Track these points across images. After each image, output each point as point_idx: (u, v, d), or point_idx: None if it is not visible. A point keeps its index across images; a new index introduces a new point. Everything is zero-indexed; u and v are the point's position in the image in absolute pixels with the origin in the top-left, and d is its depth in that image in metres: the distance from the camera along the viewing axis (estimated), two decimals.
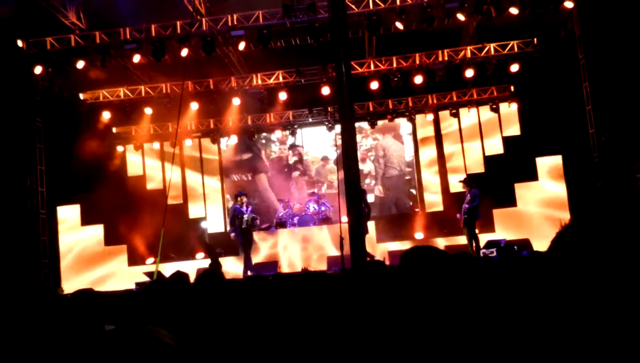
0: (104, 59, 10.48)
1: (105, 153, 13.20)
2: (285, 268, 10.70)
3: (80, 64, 10.48)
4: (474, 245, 9.65)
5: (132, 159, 13.89)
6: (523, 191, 11.38)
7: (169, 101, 12.10)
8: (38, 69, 10.49)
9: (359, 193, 5.68)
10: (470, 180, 10.17)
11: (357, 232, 5.53)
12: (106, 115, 12.30)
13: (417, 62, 11.39)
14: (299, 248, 11.09)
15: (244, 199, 10.02)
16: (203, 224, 13.75)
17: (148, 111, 12.28)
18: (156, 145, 13.86)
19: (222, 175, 14.13)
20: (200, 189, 14.00)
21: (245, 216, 9.79)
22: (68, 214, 11.74)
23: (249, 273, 9.67)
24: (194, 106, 12.18)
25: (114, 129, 13.39)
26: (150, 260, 11.97)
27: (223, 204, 13.97)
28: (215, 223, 13.86)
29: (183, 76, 8.78)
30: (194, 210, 13.93)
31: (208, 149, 14.11)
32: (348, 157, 5.36)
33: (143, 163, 13.94)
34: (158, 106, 12.25)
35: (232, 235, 10.12)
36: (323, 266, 10.84)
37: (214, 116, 13.26)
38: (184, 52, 10.52)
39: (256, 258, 11.40)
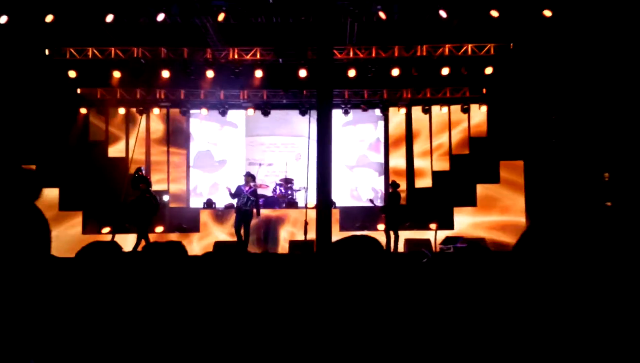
0: (74, 15, 10.00)
1: (67, 115, 12.68)
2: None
3: (49, 18, 9.95)
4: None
5: (94, 124, 13.39)
6: (484, 192, 11.71)
7: (140, 66, 11.72)
8: (2, 18, 9.89)
9: (330, 180, 5.68)
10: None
11: (324, 217, 5.54)
12: (71, 74, 11.76)
13: (396, 54, 11.44)
14: (262, 230, 11.03)
15: (249, 179, 10.09)
16: (165, 198, 13.44)
17: (116, 74, 11.82)
18: (122, 111, 13.39)
19: (189, 149, 13.83)
20: (165, 160, 13.66)
21: (243, 197, 9.88)
22: None
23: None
24: (165, 74, 11.82)
25: (78, 90, 12.84)
26: (107, 229, 11.65)
27: (187, 178, 13.70)
28: (177, 197, 13.58)
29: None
30: (157, 182, 13.58)
31: (176, 120, 13.76)
32: (323, 142, 5.34)
33: (106, 128, 13.46)
34: (127, 70, 11.82)
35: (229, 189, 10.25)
36: (285, 250, 10.85)
37: (185, 87, 12.92)
38: (161, 16, 10.18)
39: (218, 237, 11.28)
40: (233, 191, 10.21)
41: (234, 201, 10.44)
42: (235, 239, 10.77)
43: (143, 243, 9.60)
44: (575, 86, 10.25)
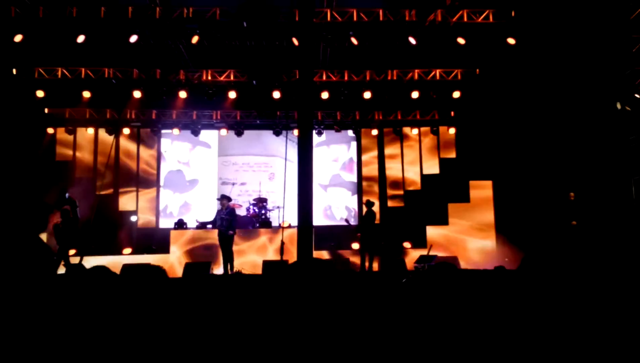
0: (44, 35, 9.87)
1: (34, 134, 12.37)
2: (219, 270, 10.52)
3: (18, 38, 9.77)
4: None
5: (61, 143, 13.10)
6: (455, 211, 12.01)
7: (111, 86, 11.59)
8: None
9: (311, 199, 5.75)
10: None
11: (306, 238, 5.59)
12: (39, 94, 11.51)
13: (368, 78, 11.71)
14: (236, 250, 10.95)
15: (224, 202, 10.05)
16: (132, 218, 13.21)
17: (86, 94, 11.64)
18: (90, 130, 13.15)
19: (159, 168, 13.66)
20: (134, 181, 13.44)
21: (219, 220, 9.95)
22: None
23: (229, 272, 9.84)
24: (137, 94, 11.71)
25: (46, 110, 12.56)
26: (73, 251, 11.32)
27: (157, 198, 13.50)
28: (146, 217, 13.35)
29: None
30: (125, 202, 13.35)
31: (147, 140, 13.60)
32: (304, 163, 5.42)
33: (74, 148, 13.18)
34: (96, 90, 11.66)
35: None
36: (258, 270, 10.79)
37: (158, 107, 12.82)
38: (133, 38, 10.14)
39: (190, 258, 11.15)
40: (212, 221, 10.25)
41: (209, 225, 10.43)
42: (206, 260, 10.70)
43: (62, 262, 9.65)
44: (540, 108, 10.70)
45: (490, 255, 11.30)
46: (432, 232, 11.81)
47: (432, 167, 13.34)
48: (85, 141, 13.24)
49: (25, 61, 10.93)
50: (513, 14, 9.83)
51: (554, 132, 10.20)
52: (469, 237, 11.84)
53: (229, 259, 10.02)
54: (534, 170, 10.84)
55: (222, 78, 11.73)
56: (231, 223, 10.00)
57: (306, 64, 5.43)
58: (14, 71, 11.05)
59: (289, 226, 11.61)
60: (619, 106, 8.69)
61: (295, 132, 13.12)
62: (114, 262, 11.04)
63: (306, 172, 5.73)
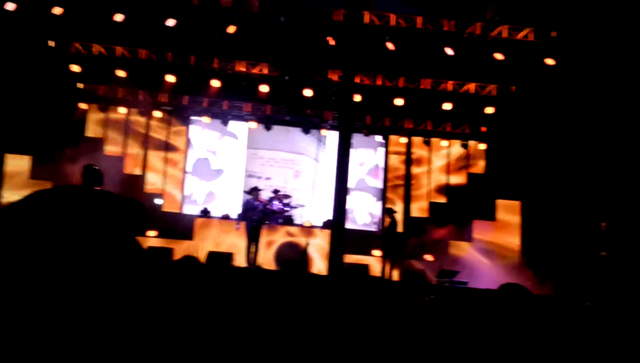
0: (83, 10, 9.99)
1: (66, 108, 12.54)
2: (240, 262, 10.47)
3: (58, 10, 9.90)
4: None
5: (93, 120, 13.27)
6: (480, 229, 11.70)
7: (145, 68, 11.67)
8: (10, 5, 9.81)
9: (344, 205, 5.63)
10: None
11: (338, 240, 5.49)
12: (75, 69, 11.66)
13: (401, 85, 11.47)
14: (259, 244, 10.86)
15: (256, 194, 10.11)
16: (157, 201, 13.26)
17: (121, 73, 11.75)
18: (123, 110, 13.28)
19: (187, 154, 13.69)
20: (161, 163, 13.50)
21: (260, 211, 10.00)
22: (17, 165, 11.13)
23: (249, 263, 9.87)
24: (170, 79, 11.76)
25: (79, 85, 12.73)
26: None
27: (182, 183, 13.53)
28: (171, 201, 13.41)
29: None
30: (151, 184, 13.42)
31: (177, 125, 13.65)
32: (341, 167, 5.32)
33: (104, 125, 13.33)
34: (131, 70, 11.75)
35: (237, 227, 10.29)
36: (272, 266, 10.74)
37: (189, 93, 12.84)
38: (171, 22, 10.17)
39: (214, 247, 11.17)
40: (244, 208, 10.28)
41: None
42: (228, 251, 10.66)
43: None
44: (575, 132, 10.30)
45: (511, 277, 10.96)
46: (455, 248, 11.54)
47: (460, 181, 13.01)
48: (117, 120, 13.37)
49: (63, 35, 11.04)
50: (554, 34, 9.47)
51: (589, 158, 9.80)
52: (492, 256, 11.52)
53: (256, 250, 10.01)
54: (565, 195, 10.44)
55: (255, 70, 11.67)
56: (267, 216, 10.16)
57: (349, 69, 5.33)
58: (52, 44, 11.17)
59: (311, 226, 11.56)
60: None
61: (323, 131, 12.99)
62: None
63: (343, 180, 5.64)
